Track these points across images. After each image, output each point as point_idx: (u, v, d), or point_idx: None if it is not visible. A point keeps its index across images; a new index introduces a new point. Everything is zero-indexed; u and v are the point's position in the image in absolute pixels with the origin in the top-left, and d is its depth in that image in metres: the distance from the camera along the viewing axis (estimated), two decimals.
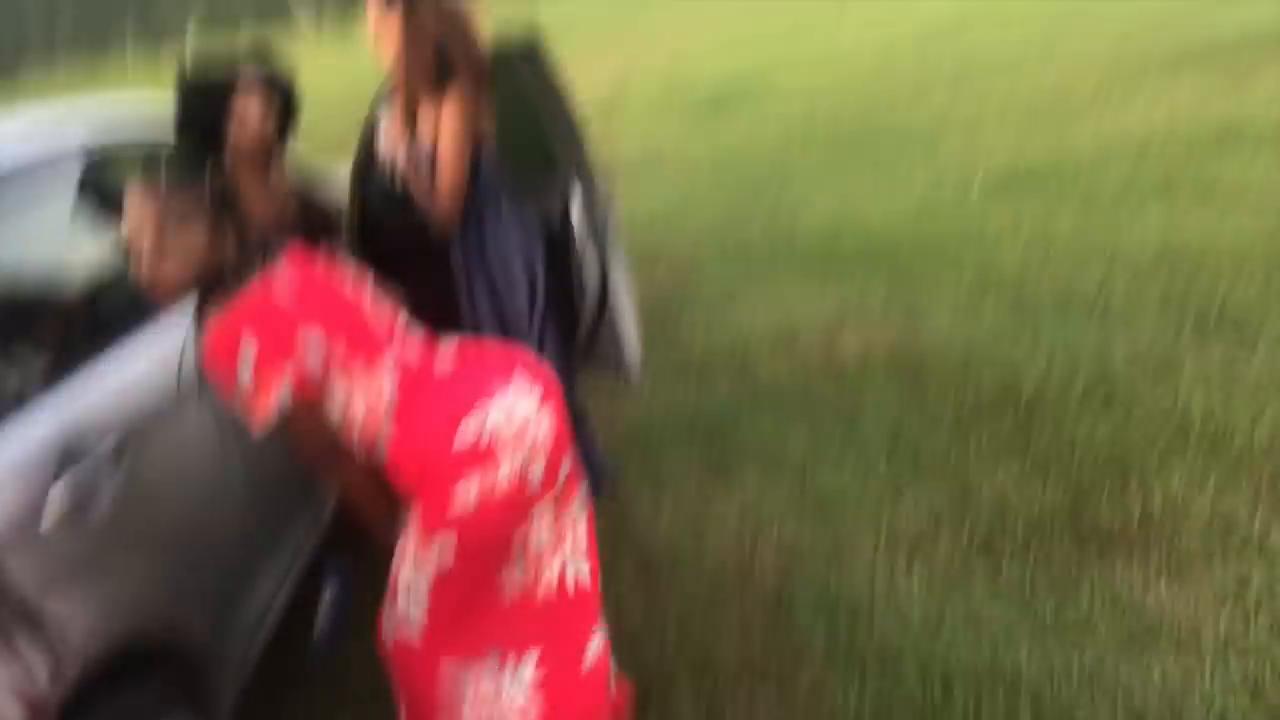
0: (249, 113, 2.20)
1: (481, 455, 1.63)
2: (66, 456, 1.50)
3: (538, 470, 1.69)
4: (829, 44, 13.19)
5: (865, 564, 2.42)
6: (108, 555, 1.56)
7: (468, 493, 1.62)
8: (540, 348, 2.58)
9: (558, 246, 2.87)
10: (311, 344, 1.62)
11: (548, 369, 1.89)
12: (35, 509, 1.42)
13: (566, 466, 1.79)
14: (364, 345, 1.70)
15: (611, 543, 2.44)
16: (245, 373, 1.57)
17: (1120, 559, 2.28)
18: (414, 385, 1.71)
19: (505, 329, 2.58)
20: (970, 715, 1.92)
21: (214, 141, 2.23)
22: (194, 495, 1.90)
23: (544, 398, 1.75)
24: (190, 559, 1.81)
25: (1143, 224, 4.32)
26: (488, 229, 2.56)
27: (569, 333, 2.93)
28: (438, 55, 2.32)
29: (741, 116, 9.12)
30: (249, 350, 1.57)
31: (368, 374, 1.68)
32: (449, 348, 1.85)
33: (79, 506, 1.49)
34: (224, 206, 1.70)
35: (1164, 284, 3.67)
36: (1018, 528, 2.45)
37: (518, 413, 1.68)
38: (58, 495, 1.45)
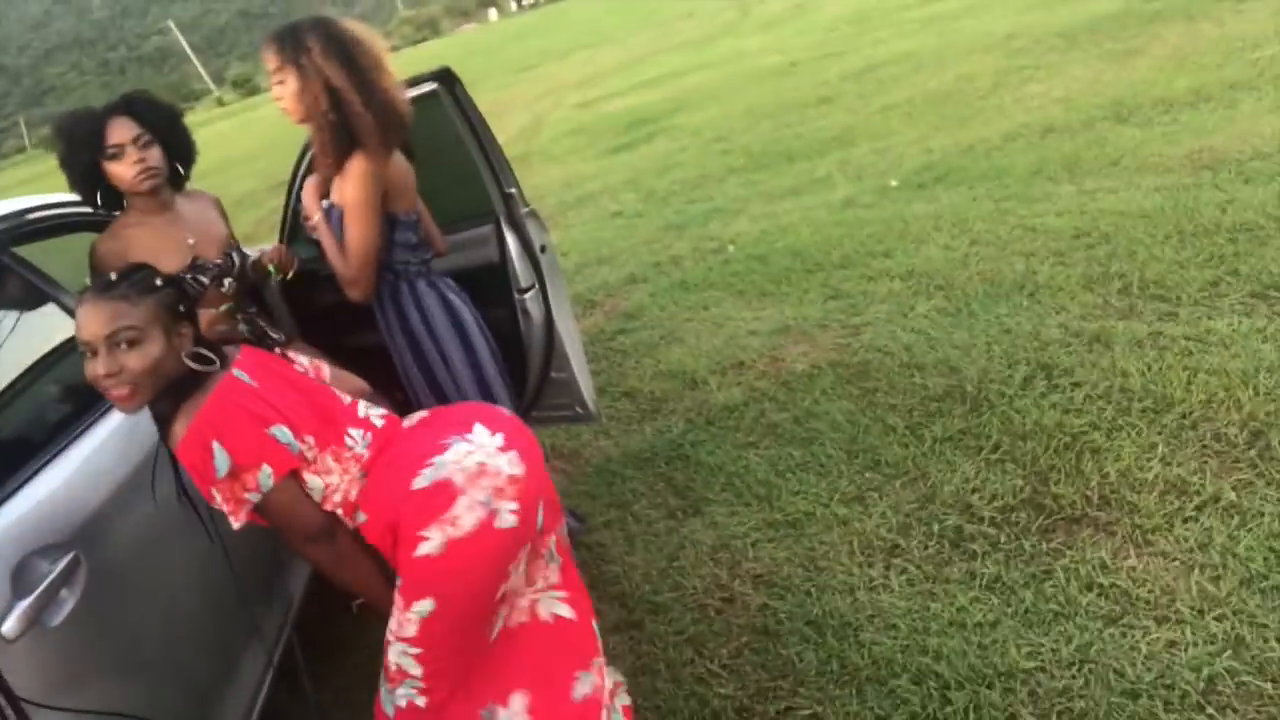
0: (122, 137, 2.22)
1: (438, 496, 1.64)
2: (19, 575, 1.50)
3: (507, 510, 1.68)
4: (735, 51, 13.43)
5: (844, 578, 2.45)
6: (75, 664, 1.56)
7: (432, 539, 1.62)
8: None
9: (495, 293, 2.87)
10: (285, 441, 1.63)
11: (516, 421, 1.89)
12: None
13: (541, 509, 1.79)
14: (331, 428, 1.72)
15: (589, 586, 2.42)
16: (222, 466, 1.57)
17: (1087, 538, 2.34)
18: (382, 444, 1.77)
19: (443, 398, 2.56)
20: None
21: (97, 177, 2.25)
22: (163, 593, 1.87)
23: (507, 444, 1.75)
24: (165, 658, 1.79)
25: (1056, 203, 4.46)
26: (406, 299, 2.54)
27: (517, 381, 2.93)
28: (338, 114, 2.21)
29: (657, 140, 9.22)
30: (223, 456, 1.56)
31: (339, 454, 1.71)
32: (417, 415, 1.90)
33: (38, 621, 1.49)
34: (179, 303, 1.67)
35: (1085, 259, 3.80)
36: (985, 520, 2.50)
37: (473, 458, 1.69)
38: (16, 615, 1.46)
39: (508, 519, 1.67)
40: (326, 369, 1.93)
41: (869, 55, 10.10)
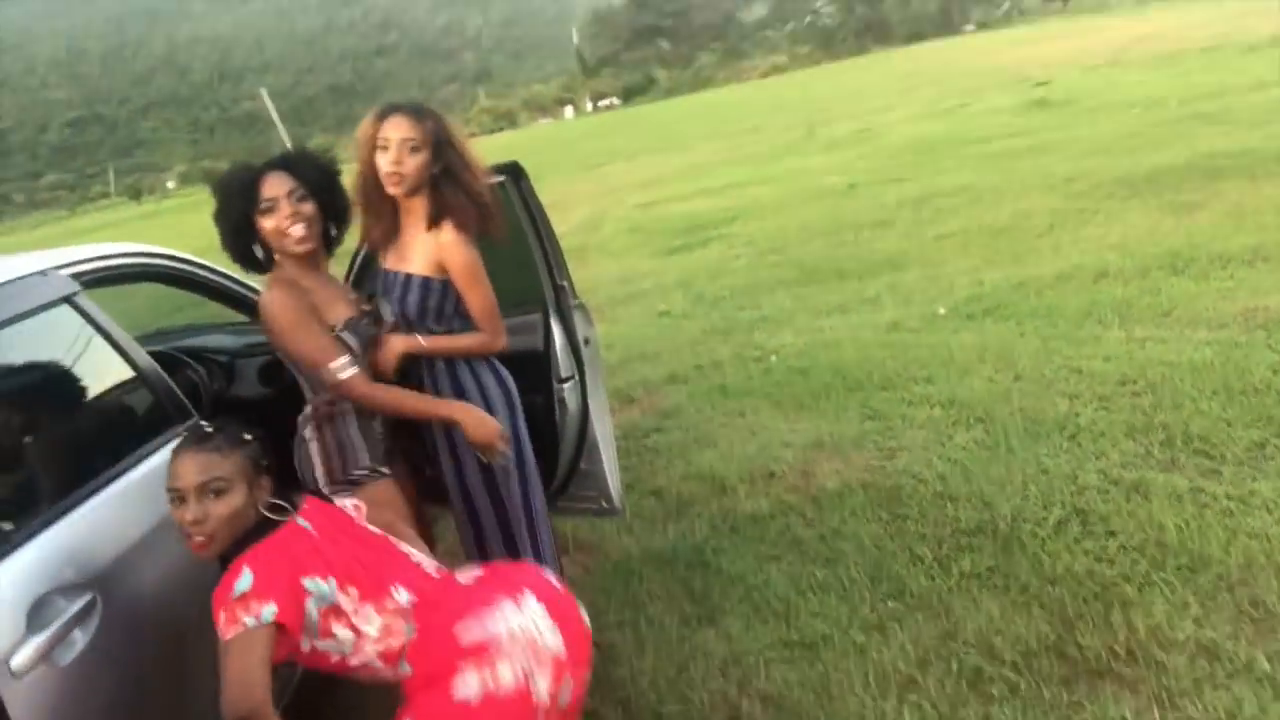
0: (276, 191, 2.21)
1: (482, 652, 1.66)
2: (36, 611, 1.55)
3: (543, 681, 1.69)
4: (798, 169, 13.72)
5: (856, 709, 2.38)
6: (78, 706, 1.58)
7: (468, 685, 1.63)
8: (525, 496, 2.57)
9: (535, 380, 2.91)
10: (316, 592, 1.65)
11: (563, 590, 1.92)
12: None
13: (569, 686, 1.78)
14: (379, 584, 1.75)
15: (593, 687, 2.38)
16: (240, 588, 1.60)
17: (1111, 693, 2.26)
18: (435, 598, 1.80)
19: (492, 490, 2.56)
20: None
21: (249, 233, 2.26)
22: (173, 645, 1.88)
23: (553, 616, 1.78)
24: (168, 709, 1.79)
25: (1105, 348, 4.44)
26: (463, 372, 2.55)
27: (547, 470, 2.94)
28: (447, 190, 2.42)
29: (712, 246, 9.39)
30: (247, 579, 1.61)
31: (381, 607, 1.73)
32: (470, 570, 1.95)
33: (47, 658, 1.53)
34: (262, 457, 1.77)
35: (1129, 407, 3.76)
36: (1006, 663, 2.43)
37: (520, 622, 1.72)
38: (27, 650, 1.49)
39: (541, 690, 1.69)
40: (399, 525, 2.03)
41: (929, 184, 10.26)
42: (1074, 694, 2.29)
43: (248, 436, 1.75)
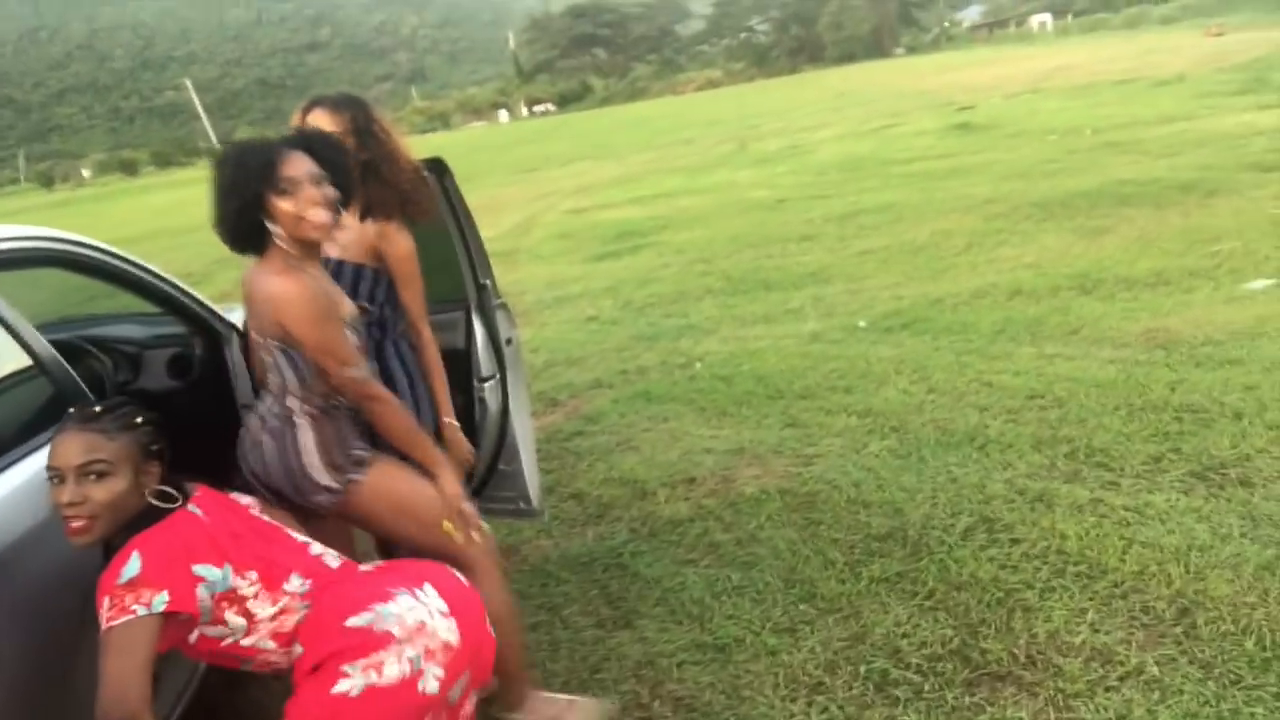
0: (298, 171, 2.01)
1: (368, 643, 1.63)
2: None
3: (432, 676, 1.67)
4: (728, 181, 13.86)
5: (765, 711, 2.41)
6: None
7: (353, 678, 1.59)
8: None
9: (455, 379, 2.89)
10: (209, 578, 1.61)
11: (468, 590, 1.89)
12: None
13: (463, 682, 1.76)
14: (275, 568, 1.72)
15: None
16: (129, 573, 1.55)
17: (1010, 696, 2.33)
18: (330, 581, 1.77)
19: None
20: None
21: (255, 215, 2.04)
22: (58, 636, 1.79)
23: (452, 610, 1.76)
24: (57, 701, 1.71)
25: (1015, 363, 4.59)
26: (390, 353, 2.61)
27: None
28: (379, 181, 2.46)
29: (642, 254, 9.43)
30: (135, 565, 1.56)
31: (276, 595, 1.70)
32: (373, 563, 1.93)
33: None
34: (153, 442, 1.71)
35: (1036, 420, 3.88)
36: (911, 667, 2.48)
37: (414, 615, 1.69)
38: None
39: (431, 684, 1.66)
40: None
41: (854, 201, 10.47)
42: (976, 697, 2.35)
43: (139, 419, 1.69)
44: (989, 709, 2.30)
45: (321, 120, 2.40)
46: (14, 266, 2.24)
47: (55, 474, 1.61)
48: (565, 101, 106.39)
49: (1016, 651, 2.48)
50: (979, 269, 6.67)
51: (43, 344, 2.08)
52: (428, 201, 2.58)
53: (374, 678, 1.60)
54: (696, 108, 47.02)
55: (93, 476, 1.60)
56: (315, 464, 2.12)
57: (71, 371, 2.15)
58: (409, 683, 1.63)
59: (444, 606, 1.75)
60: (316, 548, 1.86)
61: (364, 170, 2.39)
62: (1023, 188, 9.48)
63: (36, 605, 1.74)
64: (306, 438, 2.13)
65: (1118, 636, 2.48)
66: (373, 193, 2.43)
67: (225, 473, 3.21)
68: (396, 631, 1.65)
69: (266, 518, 1.87)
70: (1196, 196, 7.79)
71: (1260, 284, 5.24)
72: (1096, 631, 2.51)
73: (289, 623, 1.69)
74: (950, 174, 11.35)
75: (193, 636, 1.63)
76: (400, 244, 2.47)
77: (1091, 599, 2.66)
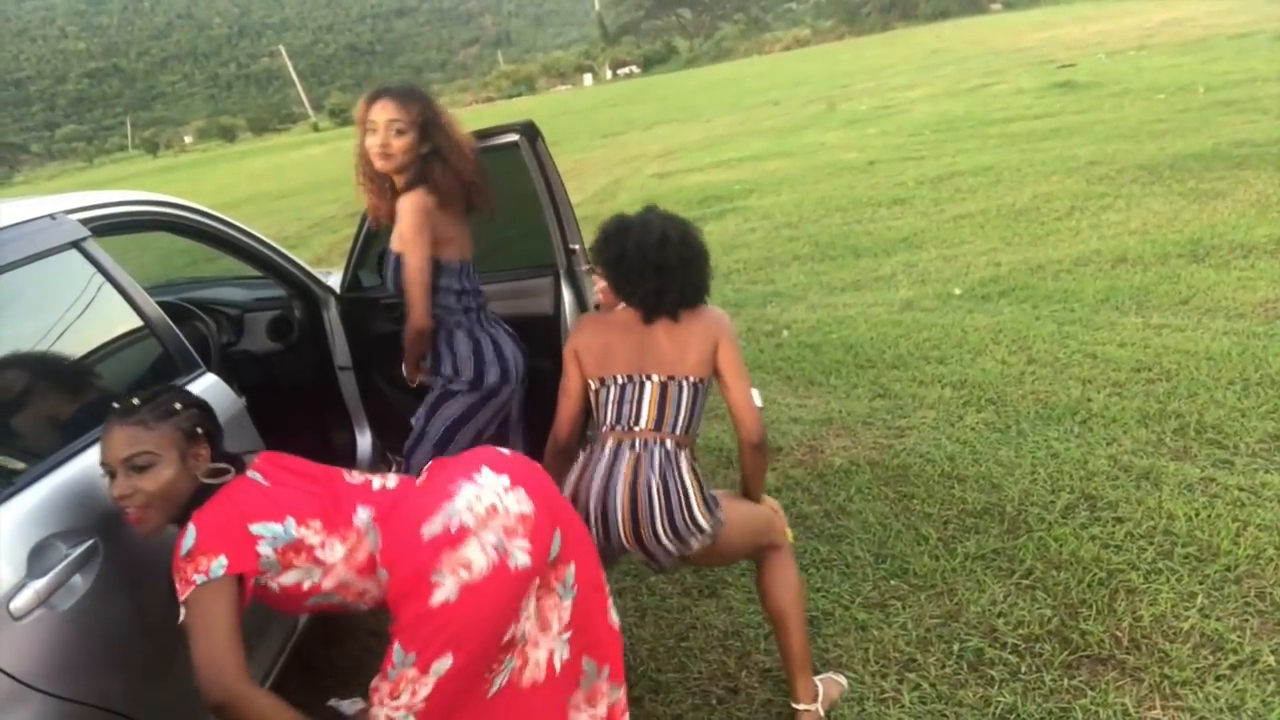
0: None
1: (451, 539, 1.64)
2: (37, 555, 1.55)
3: (520, 549, 1.68)
4: (816, 144, 13.58)
5: (855, 685, 2.37)
6: (75, 652, 1.57)
7: (444, 585, 1.61)
8: None
9: (544, 344, 2.91)
10: (269, 535, 1.64)
11: (521, 458, 1.89)
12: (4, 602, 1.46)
13: (557, 544, 1.79)
14: (339, 511, 1.75)
15: None
16: (186, 546, 1.59)
17: (1112, 680, 2.25)
18: (392, 502, 1.78)
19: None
20: None
21: None
22: (173, 595, 1.86)
23: (514, 483, 1.76)
24: (164, 660, 1.77)
25: (1121, 334, 4.39)
26: (442, 345, 2.65)
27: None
28: (434, 170, 2.52)
29: (728, 219, 9.32)
30: (191, 536, 1.60)
31: (345, 534, 1.73)
32: (425, 468, 1.91)
33: (46, 603, 1.53)
34: (196, 426, 1.73)
35: (1143, 394, 3.72)
36: (1007, 647, 2.42)
37: (483, 499, 1.70)
38: (27, 593, 1.49)
39: (521, 558, 1.68)
40: None
41: (949, 163, 10.13)
42: (1075, 680, 2.27)
43: (178, 405, 1.71)
44: (1089, 693, 2.22)
45: (388, 111, 2.48)
46: (125, 230, 2.33)
47: (107, 469, 1.66)
48: (650, 63, 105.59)
49: (1119, 635, 2.39)
50: (1082, 234, 6.38)
51: (152, 305, 2.15)
52: (491, 192, 2.64)
53: (465, 576, 1.62)
54: (784, 68, 46.12)
55: (139, 468, 1.63)
56: (696, 501, 2.10)
57: (178, 332, 2.22)
58: (500, 566, 1.65)
59: (505, 481, 1.75)
60: (376, 481, 1.88)
61: (430, 159, 2.50)
62: (1128, 149, 9.03)
63: (149, 555, 1.80)
64: (690, 477, 2.12)
65: (1230, 623, 2.37)
66: (440, 182, 2.50)
67: (323, 429, 3.32)
68: (470, 522, 1.66)
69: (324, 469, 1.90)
70: None
71: None
72: (1206, 617, 2.40)
73: (363, 554, 1.72)
74: (1051, 135, 10.88)
75: (274, 587, 1.68)
76: (404, 218, 2.48)
77: (1201, 583, 2.54)
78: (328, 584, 1.71)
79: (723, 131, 19.00)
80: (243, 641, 1.55)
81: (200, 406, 1.78)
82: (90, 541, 1.65)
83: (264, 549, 1.63)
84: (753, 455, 2.23)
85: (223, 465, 1.73)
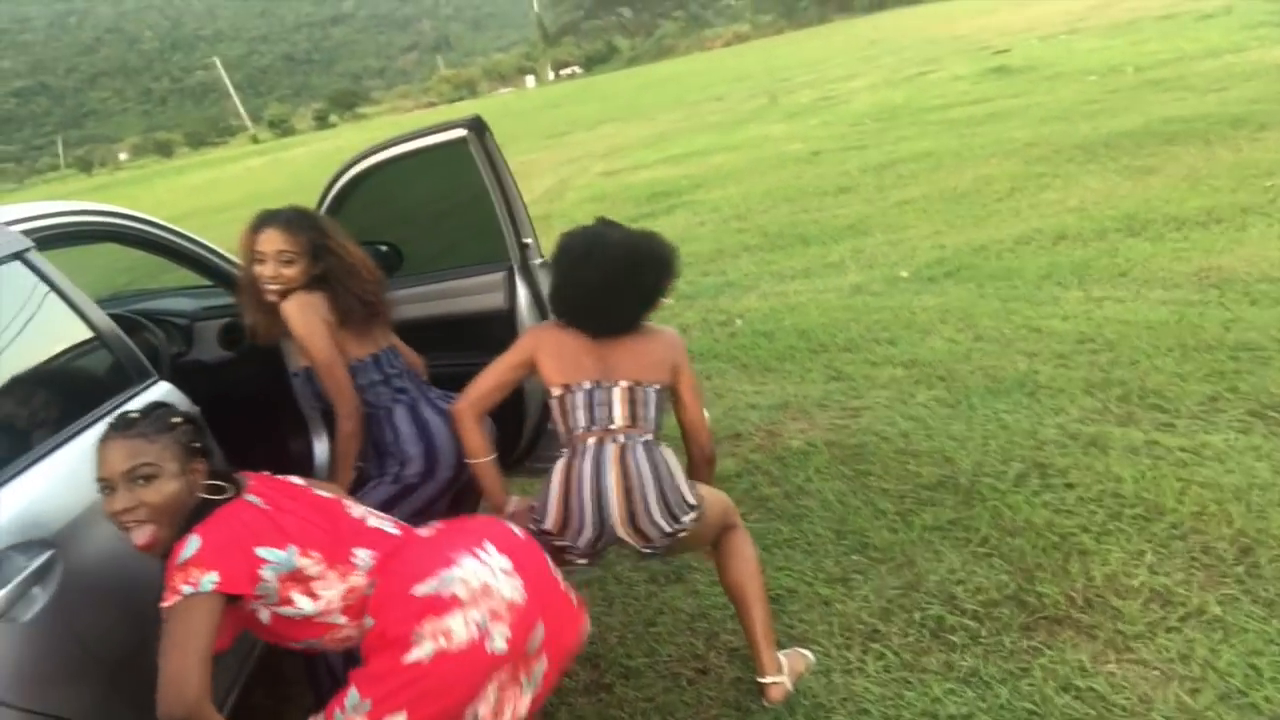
0: None
1: (439, 605, 1.65)
2: None
3: (500, 635, 1.68)
4: (760, 136, 13.69)
5: (821, 659, 2.42)
6: (36, 663, 1.55)
7: (421, 645, 1.61)
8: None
9: (501, 339, 2.89)
10: (273, 560, 1.63)
11: (528, 543, 1.89)
12: None
13: (538, 636, 1.78)
14: (340, 546, 1.74)
15: None
16: (185, 554, 1.57)
17: (1068, 639, 2.32)
18: (393, 549, 1.79)
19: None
20: None
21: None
22: (134, 605, 1.83)
23: (514, 569, 1.77)
24: (126, 669, 1.75)
25: (1063, 308, 4.51)
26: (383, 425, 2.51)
27: (514, 430, 2.95)
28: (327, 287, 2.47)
29: (677, 214, 9.36)
30: (193, 545, 1.58)
31: (345, 572, 1.72)
32: (433, 524, 1.93)
33: (6, 615, 1.50)
34: (194, 439, 1.72)
35: (1087, 364, 3.82)
36: (967, 613, 2.48)
37: (478, 577, 1.70)
38: None
39: (499, 644, 1.68)
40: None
41: (890, 151, 10.29)
42: (1033, 640, 2.34)
43: (176, 419, 1.70)
44: (1047, 652, 2.29)
45: (275, 241, 2.40)
46: (70, 242, 2.29)
47: (105, 485, 1.63)
48: (592, 63, 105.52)
49: (1074, 595, 2.46)
50: (1022, 214, 6.53)
51: (101, 315, 2.12)
52: (391, 307, 2.61)
53: (443, 643, 1.62)
54: (725, 63, 46.37)
55: (142, 480, 1.61)
56: (684, 483, 2.21)
57: (129, 342, 2.19)
58: (477, 645, 1.65)
59: (506, 564, 1.76)
60: (374, 519, 1.88)
61: (321, 282, 2.43)
62: (1064, 130, 9.25)
63: (108, 567, 1.78)
64: (674, 461, 2.24)
65: (1177, 578, 2.45)
66: (335, 304, 2.42)
67: (278, 437, 3.28)
68: (463, 595, 1.66)
69: (325, 493, 1.89)
70: (1247, 131, 7.55)
71: None
72: (1155, 573, 2.49)
73: (355, 597, 1.72)
74: (988, 119, 11.10)
75: (264, 616, 1.66)
76: (292, 321, 2.38)
77: (1149, 541, 2.62)
78: (318, 620, 1.70)
79: (667, 128, 19.07)
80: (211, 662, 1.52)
81: (194, 421, 1.76)
82: (49, 554, 1.63)
83: (267, 574, 1.62)
84: (707, 470, 2.45)
85: (220, 483, 1.71)
